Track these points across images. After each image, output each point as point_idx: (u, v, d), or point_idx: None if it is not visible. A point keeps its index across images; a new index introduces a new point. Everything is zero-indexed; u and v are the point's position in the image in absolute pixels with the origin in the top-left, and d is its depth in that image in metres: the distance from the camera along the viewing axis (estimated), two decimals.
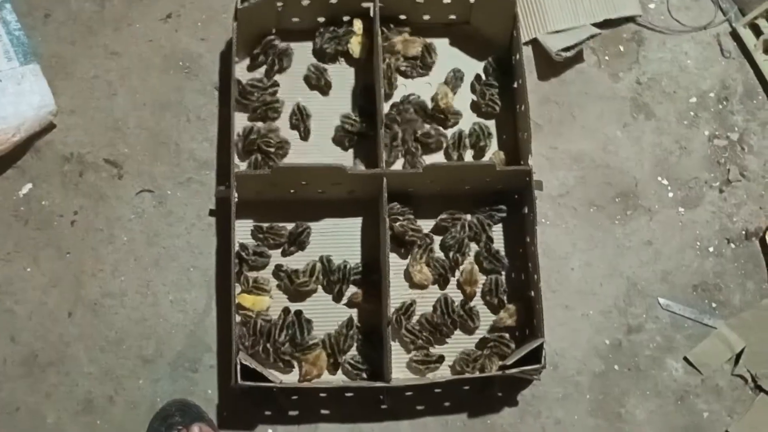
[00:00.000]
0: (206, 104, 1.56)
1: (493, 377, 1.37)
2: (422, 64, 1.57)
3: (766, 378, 1.46)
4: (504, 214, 1.50)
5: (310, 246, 1.48)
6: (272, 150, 1.48)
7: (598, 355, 1.47)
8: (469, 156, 1.54)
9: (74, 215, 1.49)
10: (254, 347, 1.38)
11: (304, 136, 1.54)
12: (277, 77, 1.57)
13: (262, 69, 1.57)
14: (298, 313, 1.42)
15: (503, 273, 1.48)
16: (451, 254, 1.47)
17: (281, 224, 1.48)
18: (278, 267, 1.46)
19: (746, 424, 1.42)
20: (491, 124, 1.56)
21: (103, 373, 1.41)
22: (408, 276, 1.47)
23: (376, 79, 1.46)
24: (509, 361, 1.33)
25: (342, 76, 1.58)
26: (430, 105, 1.54)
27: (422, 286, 1.45)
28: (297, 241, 1.47)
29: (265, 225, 1.47)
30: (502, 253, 1.48)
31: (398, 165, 1.52)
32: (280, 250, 1.49)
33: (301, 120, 1.53)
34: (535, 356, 1.31)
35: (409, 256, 1.47)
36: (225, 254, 1.42)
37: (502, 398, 1.43)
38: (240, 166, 1.49)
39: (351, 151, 1.54)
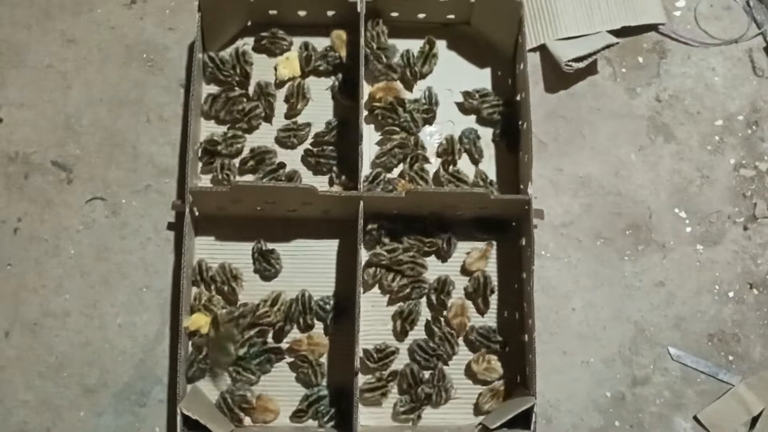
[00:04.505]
0: (170, 103, 1.47)
1: None
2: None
3: None
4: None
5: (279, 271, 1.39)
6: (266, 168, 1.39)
7: (597, 408, 1.38)
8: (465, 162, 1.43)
9: (18, 222, 1.41)
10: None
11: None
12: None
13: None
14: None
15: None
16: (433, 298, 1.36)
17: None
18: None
19: None
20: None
21: (40, 401, 1.34)
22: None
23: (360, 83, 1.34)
24: (492, 424, 1.22)
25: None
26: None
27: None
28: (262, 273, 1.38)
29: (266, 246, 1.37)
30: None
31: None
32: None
33: None
34: (524, 416, 1.21)
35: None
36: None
37: None
38: (202, 177, 1.40)
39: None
